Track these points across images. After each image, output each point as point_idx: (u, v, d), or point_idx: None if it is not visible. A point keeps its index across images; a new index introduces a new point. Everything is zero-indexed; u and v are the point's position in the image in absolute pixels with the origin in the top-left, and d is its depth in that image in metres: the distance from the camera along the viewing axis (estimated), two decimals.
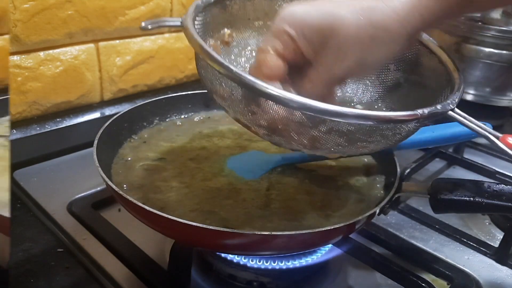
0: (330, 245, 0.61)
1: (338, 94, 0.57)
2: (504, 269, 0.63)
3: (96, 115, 0.87)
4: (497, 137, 0.46)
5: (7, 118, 0.57)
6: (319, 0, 0.45)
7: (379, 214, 0.55)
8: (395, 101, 0.60)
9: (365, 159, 0.69)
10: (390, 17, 0.43)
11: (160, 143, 0.69)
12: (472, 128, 0.48)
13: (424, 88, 0.57)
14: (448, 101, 0.48)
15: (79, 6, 0.80)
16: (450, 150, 0.91)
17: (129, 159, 0.65)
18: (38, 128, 0.80)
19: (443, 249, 0.66)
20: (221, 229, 0.46)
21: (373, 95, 0.61)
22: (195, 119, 0.77)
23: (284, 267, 0.58)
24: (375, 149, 0.51)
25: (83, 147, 0.82)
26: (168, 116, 0.76)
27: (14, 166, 0.76)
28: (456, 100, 0.48)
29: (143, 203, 0.49)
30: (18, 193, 0.71)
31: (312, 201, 0.59)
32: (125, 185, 0.59)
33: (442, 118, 0.48)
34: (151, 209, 0.48)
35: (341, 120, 0.44)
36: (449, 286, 0.60)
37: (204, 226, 0.46)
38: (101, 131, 0.61)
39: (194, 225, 0.46)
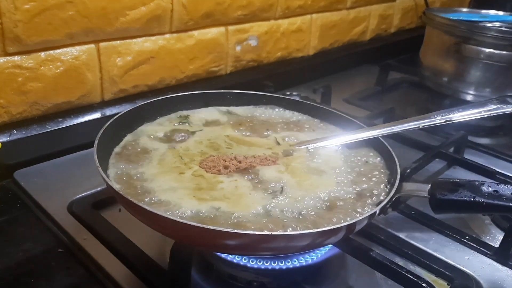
0: (330, 245, 0.61)
1: None
2: (505, 269, 0.63)
3: (96, 115, 0.87)
4: None
5: None
6: None
7: (379, 214, 0.55)
8: None
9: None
10: None
11: None
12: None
13: None
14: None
15: (80, 7, 0.80)
16: (451, 150, 0.91)
17: None
18: (38, 129, 0.80)
19: (443, 249, 0.66)
20: (221, 229, 0.46)
21: None
22: None
23: (284, 267, 0.58)
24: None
25: (84, 147, 0.82)
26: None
27: (15, 166, 0.76)
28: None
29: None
30: (18, 193, 0.71)
31: None
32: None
33: None
34: (151, 209, 0.48)
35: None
36: (449, 286, 0.60)
37: (204, 226, 0.46)
38: (101, 131, 0.61)
39: (194, 225, 0.46)
